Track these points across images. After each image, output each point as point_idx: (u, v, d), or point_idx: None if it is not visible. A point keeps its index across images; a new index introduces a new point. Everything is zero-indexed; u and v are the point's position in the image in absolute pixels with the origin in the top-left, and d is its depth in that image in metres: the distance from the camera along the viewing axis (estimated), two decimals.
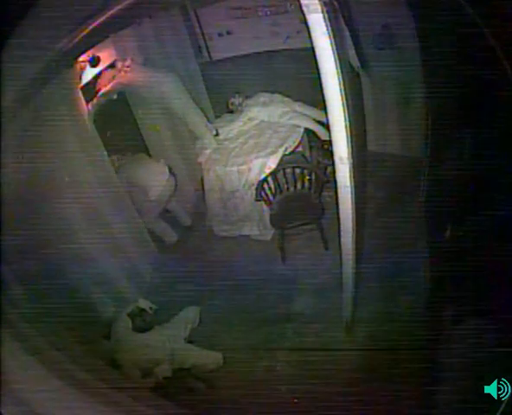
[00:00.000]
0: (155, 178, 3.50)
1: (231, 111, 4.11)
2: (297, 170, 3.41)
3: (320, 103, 1.73)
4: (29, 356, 1.27)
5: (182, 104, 3.64)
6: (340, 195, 1.87)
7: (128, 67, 3.47)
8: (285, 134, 3.69)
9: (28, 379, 1.21)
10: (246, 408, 2.26)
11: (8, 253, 1.53)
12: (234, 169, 3.48)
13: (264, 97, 4.08)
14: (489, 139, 1.71)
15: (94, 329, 2.66)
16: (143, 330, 2.67)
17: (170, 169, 3.63)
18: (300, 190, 3.41)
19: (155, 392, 2.33)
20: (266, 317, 2.92)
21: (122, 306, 2.82)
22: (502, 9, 1.27)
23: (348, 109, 1.66)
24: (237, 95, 4.06)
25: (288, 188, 3.44)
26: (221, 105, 4.15)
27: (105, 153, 3.19)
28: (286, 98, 4.02)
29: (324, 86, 1.60)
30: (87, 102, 3.17)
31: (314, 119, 3.80)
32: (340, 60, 1.58)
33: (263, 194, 3.30)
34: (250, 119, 3.96)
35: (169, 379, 2.50)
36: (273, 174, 3.36)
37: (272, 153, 3.48)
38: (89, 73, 3.15)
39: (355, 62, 3.38)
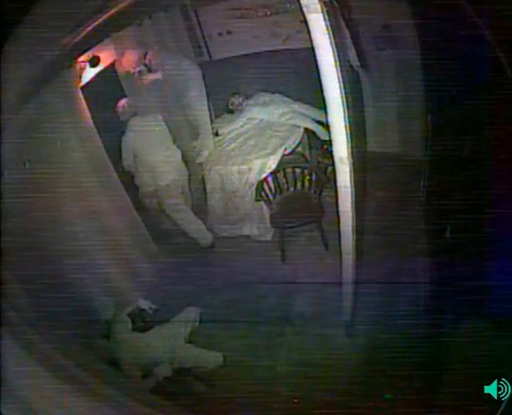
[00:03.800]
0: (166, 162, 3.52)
1: (231, 111, 4.11)
2: (297, 170, 3.41)
3: (320, 103, 1.73)
4: (29, 356, 1.27)
5: (197, 97, 3.70)
6: (340, 195, 1.87)
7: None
8: (285, 134, 3.70)
9: (28, 379, 1.21)
10: (246, 408, 2.26)
11: (8, 254, 1.53)
12: (234, 168, 3.48)
13: (264, 97, 4.08)
14: (489, 139, 1.72)
15: (94, 329, 2.65)
16: (143, 330, 2.67)
17: (183, 155, 3.63)
18: (300, 190, 3.41)
19: (155, 392, 2.33)
20: (266, 317, 2.92)
21: (122, 306, 2.82)
22: (502, 9, 1.27)
23: (348, 109, 1.66)
24: (237, 95, 4.06)
25: (288, 188, 3.44)
26: (221, 105, 4.14)
27: (106, 152, 3.19)
28: (286, 98, 4.02)
29: (324, 86, 1.60)
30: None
31: (314, 119, 3.80)
32: (340, 60, 1.58)
33: (263, 194, 3.30)
34: (250, 119, 3.96)
35: (169, 379, 2.49)
36: (273, 174, 3.36)
37: (272, 153, 3.48)
38: (89, 73, 3.14)
39: (355, 62, 3.38)
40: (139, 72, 3.54)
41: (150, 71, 3.61)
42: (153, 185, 3.55)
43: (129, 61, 3.46)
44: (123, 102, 3.44)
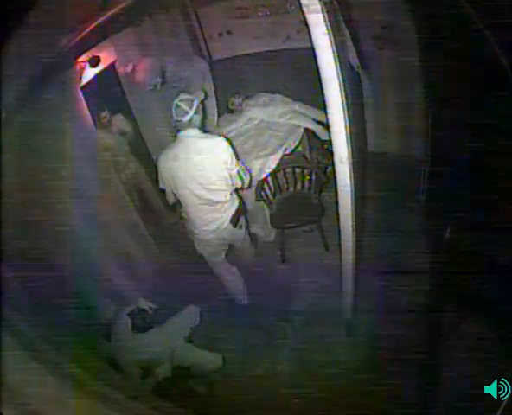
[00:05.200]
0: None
1: (231, 111, 4.11)
2: (297, 170, 3.41)
3: (320, 103, 1.73)
4: (29, 356, 1.27)
5: (208, 90, 3.69)
6: (340, 195, 1.87)
7: None
8: (285, 134, 3.69)
9: (28, 379, 1.21)
10: (247, 408, 2.26)
11: (8, 253, 1.53)
12: None
13: (264, 97, 4.08)
14: (488, 139, 1.71)
15: (94, 329, 2.65)
16: (143, 330, 2.67)
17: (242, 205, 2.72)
18: (300, 190, 3.41)
19: (155, 392, 2.33)
20: (266, 317, 2.92)
21: (122, 306, 2.82)
22: (502, 8, 1.27)
23: (348, 109, 1.66)
24: (237, 95, 4.06)
25: (288, 188, 3.44)
26: (221, 105, 4.15)
27: (106, 152, 3.20)
28: (286, 98, 4.02)
29: (324, 86, 1.60)
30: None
31: (314, 119, 3.80)
32: (340, 60, 1.58)
33: (263, 194, 3.30)
34: (250, 119, 3.96)
35: (169, 379, 2.49)
36: (273, 174, 3.36)
37: (272, 153, 3.48)
38: (89, 73, 3.14)
39: (355, 62, 3.38)
40: (154, 86, 3.55)
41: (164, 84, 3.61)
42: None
43: (145, 74, 3.47)
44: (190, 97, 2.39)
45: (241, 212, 2.65)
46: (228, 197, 2.52)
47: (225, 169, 2.42)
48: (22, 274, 1.77)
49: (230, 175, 2.46)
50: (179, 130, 2.38)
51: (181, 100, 2.33)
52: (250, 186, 2.73)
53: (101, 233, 2.96)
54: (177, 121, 2.34)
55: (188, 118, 2.32)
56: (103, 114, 3.45)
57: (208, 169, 2.39)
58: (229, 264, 2.92)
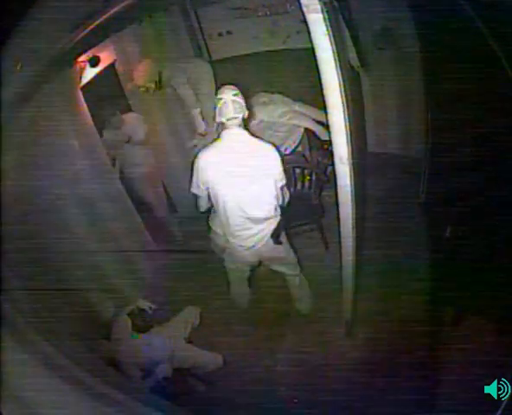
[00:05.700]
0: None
1: None
2: (297, 170, 3.40)
3: (320, 103, 1.73)
4: (29, 356, 1.27)
5: (209, 93, 3.64)
6: (340, 195, 1.87)
7: None
8: (285, 134, 3.69)
9: (28, 378, 1.21)
10: (246, 408, 2.27)
11: (8, 253, 1.53)
12: None
13: (264, 97, 4.08)
14: (488, 138, 1.72)
15: (94, 329, 2.65)
16: (143, 330, 2.67)
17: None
18: (300, 190, 3.41)
19: (155, 392, 2.33)
20: (266, 317, 2.92)
21: (122, 306, 2.82)
22: (501, 9, 1.27)
23: (348, 109, 1.66)
24: None
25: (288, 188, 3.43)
26: None
27: (105, 152, 3.19)
28: (286, 98, 4.01)
29: (324, 86, 1.60)
30: None
31: (314, 119, 3.79)
32: (340, 60, 1.58)
33: None
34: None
35: (169, 379, 2.49)
36: None
37: None
38: (89, 73, 3.14)
39: (355, 62, 3.39)
40: (147, 89, 3.53)
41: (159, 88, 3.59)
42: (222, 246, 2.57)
43: (142, 77, 3.46)
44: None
45: (282, 228, 2.41)
46: (273, 213, 2.28)
47: (273, 180, 2.19)
48: (22, 274, 1.77)
49: (275, 189, 2.22)
50: (220, 131, 2.16)
51: (235, 94, 2.11)
52: (288, 206, 2.52)
53: (101, 233, 2.96)
54: (233, 118, 2.09)
55: (245, 114, 2.13)
56: (113, 114, 3.45)
57: (259, 178, 2.15)
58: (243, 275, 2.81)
